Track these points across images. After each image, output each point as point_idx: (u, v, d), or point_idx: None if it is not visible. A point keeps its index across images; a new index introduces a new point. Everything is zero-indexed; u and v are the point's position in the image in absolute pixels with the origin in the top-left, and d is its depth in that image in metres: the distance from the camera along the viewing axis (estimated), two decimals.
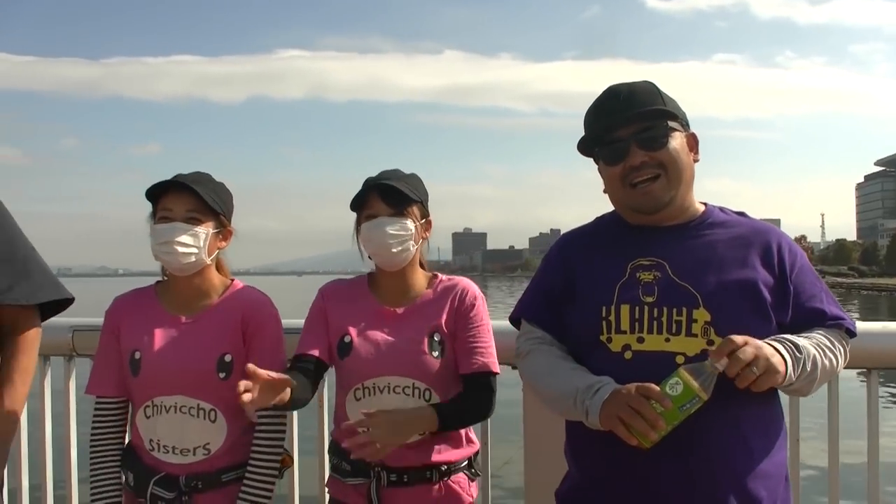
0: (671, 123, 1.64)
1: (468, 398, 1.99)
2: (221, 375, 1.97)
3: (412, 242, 2.00)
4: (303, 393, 1.86)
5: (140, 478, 2.00)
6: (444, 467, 1.99)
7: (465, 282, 2.09)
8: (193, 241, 1.96)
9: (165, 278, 2.10)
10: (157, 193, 1.98)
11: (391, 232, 1.96)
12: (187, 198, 1.97)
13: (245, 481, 1.99)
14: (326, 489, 2.13)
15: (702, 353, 1.51)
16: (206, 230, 1.98)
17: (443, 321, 2.01)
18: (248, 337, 2.02)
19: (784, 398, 1.71)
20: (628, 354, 1.57)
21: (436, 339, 1.99)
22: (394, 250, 1.97)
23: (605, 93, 1.69)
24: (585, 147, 1.73)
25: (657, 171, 1.62)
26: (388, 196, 1.97)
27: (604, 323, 1.60)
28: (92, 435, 2.04)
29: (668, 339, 1.55)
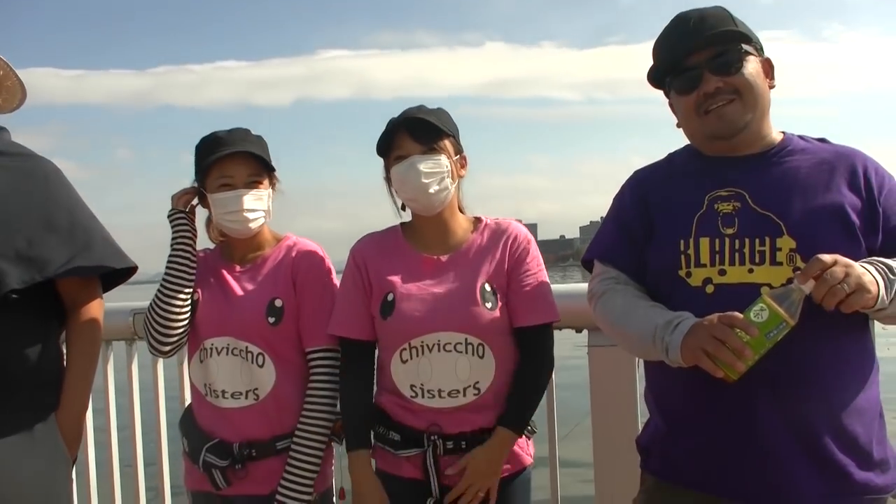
0: (745, 47, 1.56)
1: (526, 374, 1.86)
2: (271, 320, 1.94)
3: (449, 180, 1.85)
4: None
5: (194, 444, 1.99)
6: None
7: (515, 224, 1.94)
8: (259, 206, 1.96)
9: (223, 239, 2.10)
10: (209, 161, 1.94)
11: (425, 170, 1.81)
12: (247, 162, 1.94)
13: (293, 444, 1.93)
14: (373, 461, 1.95)
15: (789, 283, 1.41)
16: (267, 191, 1.99)
17: (495, 269, 1.87)
18: (298, 284, 1.99)
19: None
20: (710, 288, 1.49)
21: (487, 288, 1.84)
22: (431, 190, 1.83)
23: (674, 20, 1.62)
24: (656, 78, 1.66)
25: (732, 97, 1.54)
26: (417, 132, 1.83)
27: (682, 257, 1.52)
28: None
29: (751, 270, 1.47)
